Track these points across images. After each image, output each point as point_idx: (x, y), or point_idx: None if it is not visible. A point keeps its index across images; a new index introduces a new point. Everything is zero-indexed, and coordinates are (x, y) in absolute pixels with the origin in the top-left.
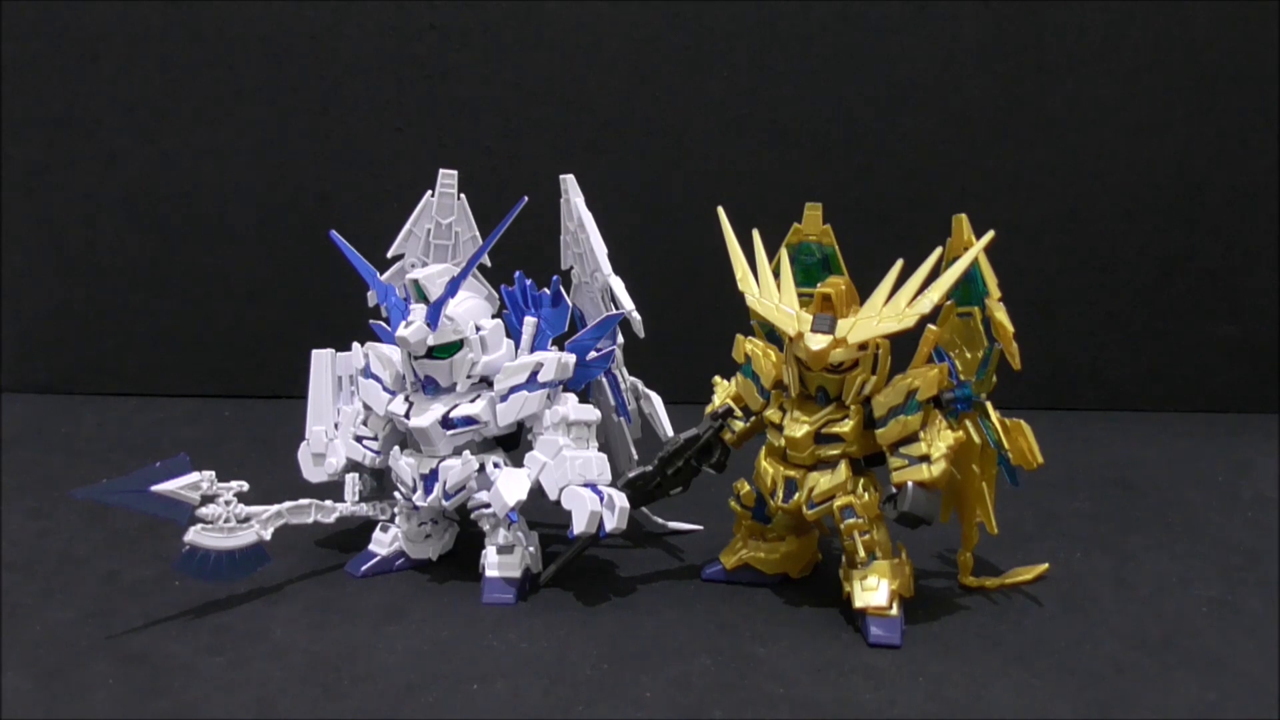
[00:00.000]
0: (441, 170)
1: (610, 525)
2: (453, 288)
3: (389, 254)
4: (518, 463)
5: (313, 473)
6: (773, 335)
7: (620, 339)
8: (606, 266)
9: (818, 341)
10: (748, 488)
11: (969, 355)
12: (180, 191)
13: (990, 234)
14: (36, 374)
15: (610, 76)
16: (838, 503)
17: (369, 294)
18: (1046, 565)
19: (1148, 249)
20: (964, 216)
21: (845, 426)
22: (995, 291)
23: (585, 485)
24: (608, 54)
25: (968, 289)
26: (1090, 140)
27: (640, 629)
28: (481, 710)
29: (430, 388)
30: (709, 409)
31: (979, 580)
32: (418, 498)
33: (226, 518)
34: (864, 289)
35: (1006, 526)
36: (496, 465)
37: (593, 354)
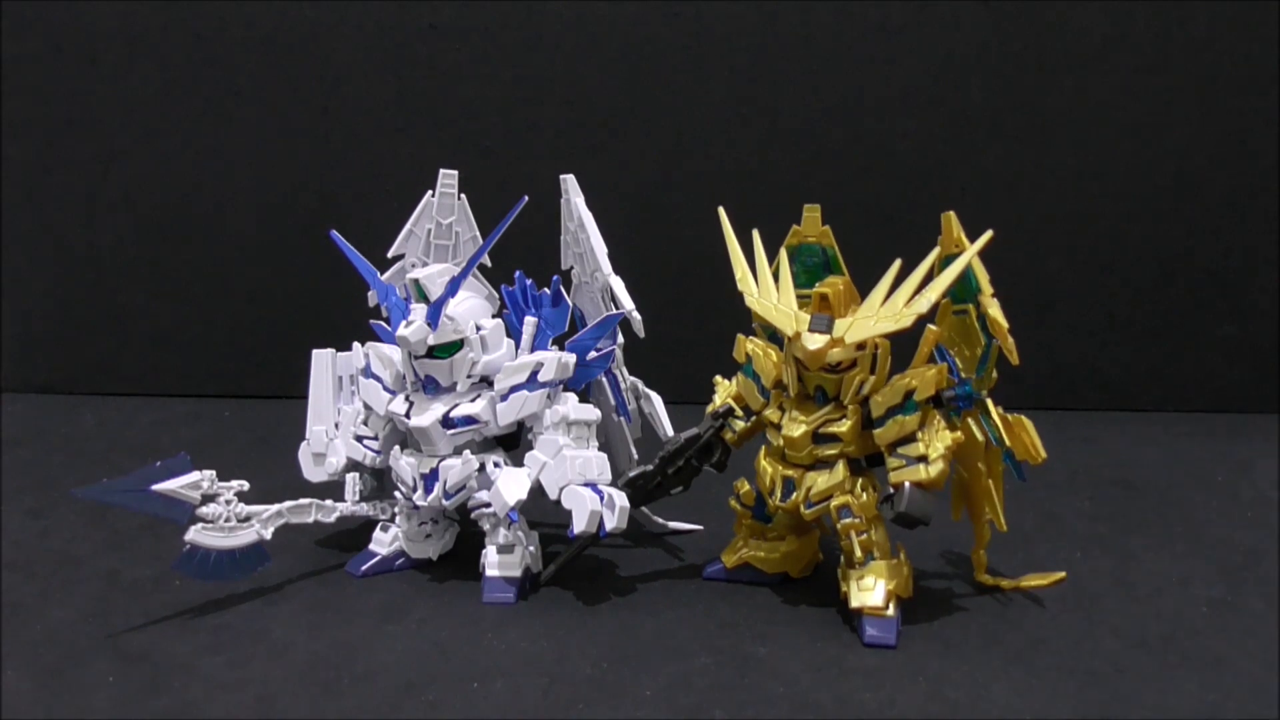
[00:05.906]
0: (442, 170)
1: (610, 525)
2: (453, 287)
3: (389, 254)
4: (518, 462)
5: (313, 472)
6: (774, 337)
7: (620, 339)
8: (606, 266)
9: (815, 341)
10: (748, 487)
11: (968, 353)
12: (180, 191)
13: (989, 234)
14: (36, 374)
15: (610, 76)
16: (835, 502)
17: (369, 294)
18: (1064, 574)
19: (1148, 249)
20: (952, 214)
21: (843, 426)
22: (987, 288)
23: (585, 485)
24: (608, 54)
25: (961, 286)
26: (1090, 140)
27: (640, 629)
28: (481, 710)
29: (430, 387)
30: (710, 408)
31: (995, 579)
32: (418, 497)
33: (227, 517)
34: (864, 289)
35: (1008, 526)
36: (497, 465)
37: (593, 354)
